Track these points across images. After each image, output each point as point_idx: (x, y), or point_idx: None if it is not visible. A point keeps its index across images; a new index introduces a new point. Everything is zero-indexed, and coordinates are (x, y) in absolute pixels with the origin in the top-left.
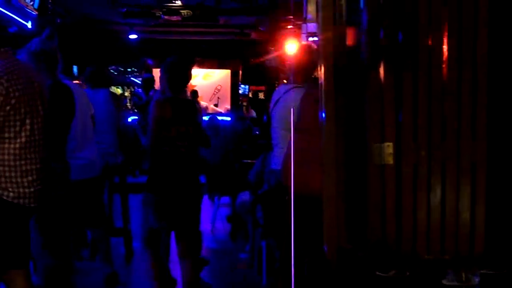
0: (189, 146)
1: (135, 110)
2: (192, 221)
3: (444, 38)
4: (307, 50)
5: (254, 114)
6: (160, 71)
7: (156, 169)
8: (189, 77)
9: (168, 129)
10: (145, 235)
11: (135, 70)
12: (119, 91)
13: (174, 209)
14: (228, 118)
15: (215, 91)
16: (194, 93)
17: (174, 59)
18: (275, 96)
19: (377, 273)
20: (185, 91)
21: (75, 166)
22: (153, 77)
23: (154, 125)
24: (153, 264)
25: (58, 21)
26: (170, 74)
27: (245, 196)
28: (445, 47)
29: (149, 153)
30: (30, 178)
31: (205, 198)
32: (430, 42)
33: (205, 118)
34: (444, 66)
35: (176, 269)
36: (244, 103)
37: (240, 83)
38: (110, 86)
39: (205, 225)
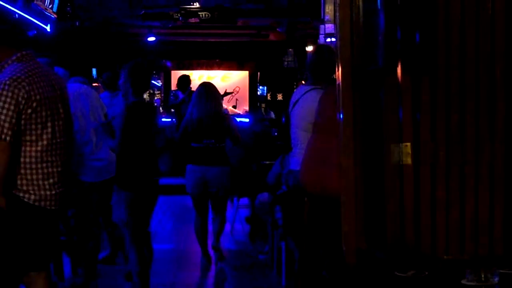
0: (152, 146)
1: (172, 110)
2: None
3: (462, 38)
4: (325, 51)
5: (272, 115)
6: (123, 75)
7: (128, 168)
8: (150, 81)
9: (138, 131)
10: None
11: (154, 72)
12: None
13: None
14: (247, 120)
15: (233, 93)
16: (224, 94)
17: (136, 63)
18: (294, 97)
19: (396, 273)
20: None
21: (94, 168)
22: (188, 76)
23: (127, 128)
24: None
25: (77, 24)
26: (134, 78)
27: (264, 197)
28: (463, 47)
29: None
30: (51, 180)
31: None
32: (448, 42)
33: None
34: (462, 66)
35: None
36: (263, 105)
37: (258, 84)
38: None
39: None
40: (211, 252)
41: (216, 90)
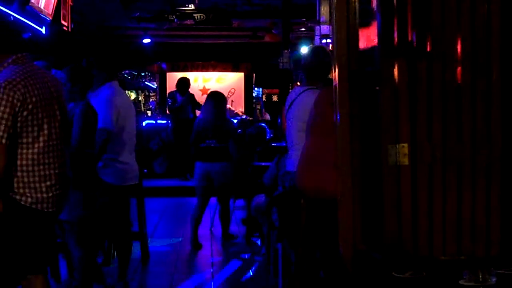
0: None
1: (168, 113)
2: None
3: (458, 39)
4: (321, 52)
5: (268, 117)
6: (70, 79)
7: (83, 169)
8: (91, 80)
9: (93, 132)
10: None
11: (149, 74)
12: (133, 95)
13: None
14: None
15: (228, 94)
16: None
17: (74, 66)
18: (289, 98)
19: (394, 274)
20: None
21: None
22: (188, 79)
23: (86, 129)
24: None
25: (72, 26)
26: (74, 82)
27: (260, 198)
28: (459, 48)
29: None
30: (48, 183)
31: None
32: (444, 43)
33: None
34: (458, 66)
35: None
36: (258, 106)
37: (253, 86)
38: (124, 90)
39: (221, 229)
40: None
41: (222, 98)
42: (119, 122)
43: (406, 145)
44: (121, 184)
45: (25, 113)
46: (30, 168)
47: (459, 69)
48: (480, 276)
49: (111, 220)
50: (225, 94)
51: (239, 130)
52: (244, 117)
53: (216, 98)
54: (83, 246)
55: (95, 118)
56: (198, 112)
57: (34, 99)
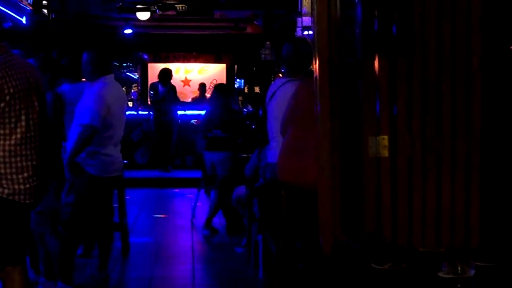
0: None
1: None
2: None
3: (438, 31)
4: (302, 43)
5: (250, 108)
6: (39, 69)
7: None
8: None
9: (60, 122)
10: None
11: (130, 65)
12: None
13: None
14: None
15: (210, 85)
16: (203, 86)
17: (52, 56)
18: (270, 90)
19: (373, 265)
20: None
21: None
22: (170, 70)
23: (54, 119)
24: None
25: (53, 16)
26: (53, 73)
27: (241, 190)
28: (439, 40)
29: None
30: (25, 174)
31: (202, 192)
32: (424, 35)
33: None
34: (439, 58)
35: None
36: (240, 97)
37: (235, 77)
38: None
39: (202, 220)
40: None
41: (227, 89)
42: (107, 117)
43: (386, 137)
44: (104, 176)
45: (2, 104)
46: (7, 160)
47: (440, 60)
48: (459, 268)
49: (92, 211)
50: (207, 85)
51: (248, 122)
52: (250, 109)
53: (221, 89)
54: (59, 237)
55: (63, 108)
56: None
57: (11, 90)
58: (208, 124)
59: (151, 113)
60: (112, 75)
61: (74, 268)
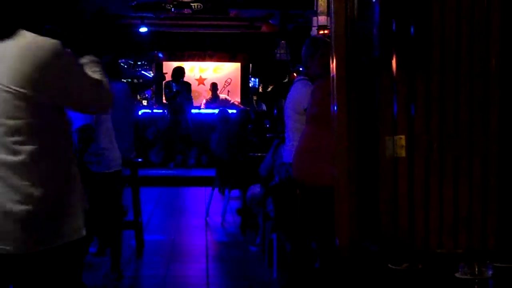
0: None
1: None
2: None
3: (457, 31)
4: (318, 43)
5: (264, 107)
6: None
7: None
8: None
9: None
10: None
11: (145, 63)
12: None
13: None
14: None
15: (225, 84)
16: (215, 86)
17: None
18: (289, 89)
19: (389, 266)
20: None
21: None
22: (183, 68)
23: None
24: None
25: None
26: None
27: (255, 189)
28: (458, 40)
29: None
30: None
31: (216, 191)
32: (442, 35)
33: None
34: (457, 58)
35: None
36: (254, 97)
37: (250, 76)
38: (121, 79)
39: (216, 218)
40: None
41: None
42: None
43: (403, 137)
44: (102, 172)
45: None
46: None
47: (458, 60)
48: (476, 269)
49: (99, 208)
50: (222, 84)
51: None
52: (264, 108)
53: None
54: None
55: None
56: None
57: None
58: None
59: (166, 111)
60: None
61: (84, 267)
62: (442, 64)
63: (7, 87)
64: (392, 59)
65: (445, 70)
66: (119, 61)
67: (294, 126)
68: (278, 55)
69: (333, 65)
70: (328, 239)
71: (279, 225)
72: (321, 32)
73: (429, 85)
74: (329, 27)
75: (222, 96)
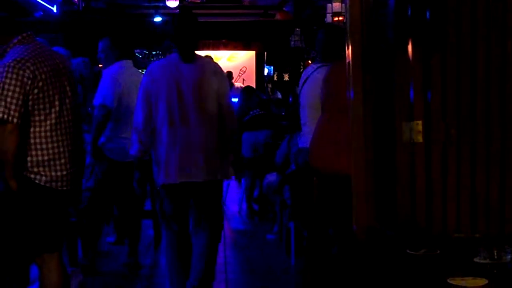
0: None
1: None
2: None
3: (472, 16)
4: (333, 29)
5: (279, 95)
6: None
7: None
8: None
9: None
10: None
11: (160, 53)
12: None
13: None
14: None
15: (240, 73)
16: (229, 74)
17: None
18: (303, 76)
19: (408, 251)
20: None
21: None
22: None
23: None
24: None
25: (83, 5)
26: None
27: (272, 177)
28: (474, 25)
29: None
30: (62, 160)
31: (232, 179)
32: (458, 20)
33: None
34: (473, 43)
35: None
36: (269, 85)
37: (264, 64)
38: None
39: (233, 207)
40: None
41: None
42: (123, 100)
43: (420, 122)
44: (123, 161)
45: (35, 90)
46: (44, 146)
47: (474, 45)
48: (495, 254)
49: (112, 196)
50: (237, 73)
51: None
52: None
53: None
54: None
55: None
56: None
57: (43, 76)
58: (244, 108)
59: None
60: (130, 61)
61: (97, 254)
62: (458, 48)
63: None
64: (408, 44)
65: (461, 54)
66: (135, 51)
67: (312, 112)
68: (292, 42)
69: (348, 51)
70: (345, 225)
71: (296, 213)
72: (336, 18)
73: (445, 70)
74: (343, 14)
75: (238, 84)
